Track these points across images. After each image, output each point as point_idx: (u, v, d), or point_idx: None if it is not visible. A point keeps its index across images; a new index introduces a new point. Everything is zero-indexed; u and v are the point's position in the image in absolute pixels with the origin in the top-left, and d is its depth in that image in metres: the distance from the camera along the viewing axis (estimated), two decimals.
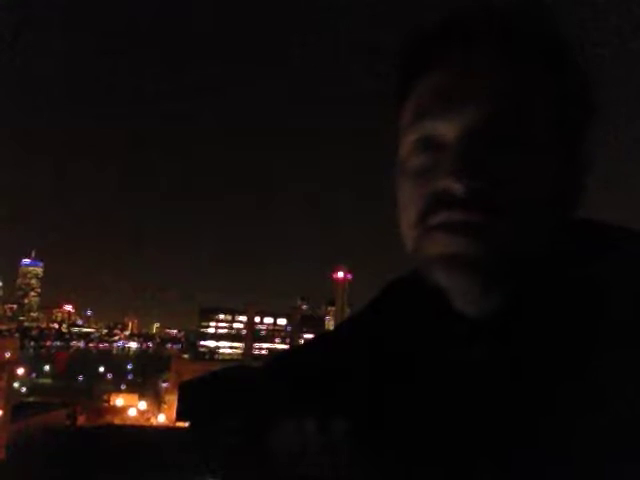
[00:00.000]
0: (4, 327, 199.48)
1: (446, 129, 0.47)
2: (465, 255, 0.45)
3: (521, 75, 0.48)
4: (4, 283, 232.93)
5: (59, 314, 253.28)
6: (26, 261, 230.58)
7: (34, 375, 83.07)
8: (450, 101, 0.47)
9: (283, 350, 0.68)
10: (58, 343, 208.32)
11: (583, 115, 0.51)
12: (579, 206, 0.51)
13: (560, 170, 0.48)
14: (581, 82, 0.50)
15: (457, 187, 0.45)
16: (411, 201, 0.50)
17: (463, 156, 0.45)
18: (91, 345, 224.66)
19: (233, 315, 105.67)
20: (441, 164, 0.47)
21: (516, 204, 0.45)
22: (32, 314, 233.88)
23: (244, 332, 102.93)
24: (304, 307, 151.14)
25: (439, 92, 0.49)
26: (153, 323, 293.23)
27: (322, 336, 0.66)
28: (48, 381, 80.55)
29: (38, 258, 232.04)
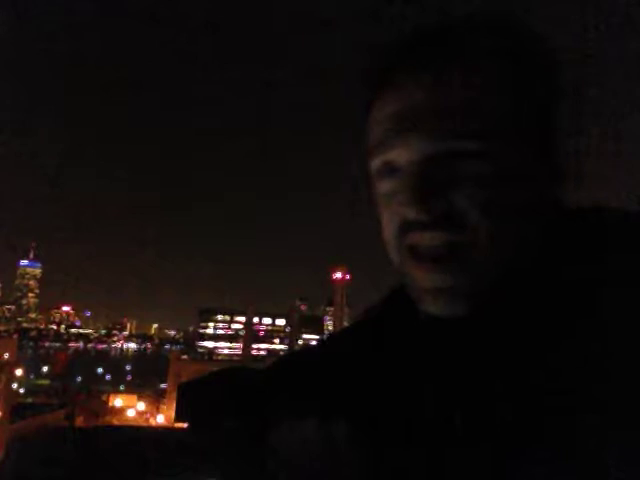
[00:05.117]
0: (2, 328, 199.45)
1: (400, 154, 0.47)
2: (439, 287, 0.46)
3: (477, 87, 0.46)
4: (2, 284, 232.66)
5: (57, 315, 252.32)
6: (24, 262, 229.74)
7: (32, 376, 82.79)
8: (402, 125, 0.47)
9: (285, 352, 0.65)
10: (56, 344, 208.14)
11: (553, 117, 0.49)
12: (561, 205, 0.50)
13: (533, 174, 0.47)
14: (548, 82, 0.49)
15: (413, 213, 0.45)
16: (386, 224, 0.51)
17: (416, 181, 0.45)
18: (90, 346, 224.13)
19: (232, 315, 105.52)
20: (400, 190, 0.47)
21: (483, 220, 0.44)
22: (30, 315, 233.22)
23: (243, 332, 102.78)
24: (303, 307, 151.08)
25: (392, 116, 0.48)
26: (152, 324, 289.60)
27: (324, 339, 0.67)
28: (46, 382, 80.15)
29: (36, 259, 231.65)
